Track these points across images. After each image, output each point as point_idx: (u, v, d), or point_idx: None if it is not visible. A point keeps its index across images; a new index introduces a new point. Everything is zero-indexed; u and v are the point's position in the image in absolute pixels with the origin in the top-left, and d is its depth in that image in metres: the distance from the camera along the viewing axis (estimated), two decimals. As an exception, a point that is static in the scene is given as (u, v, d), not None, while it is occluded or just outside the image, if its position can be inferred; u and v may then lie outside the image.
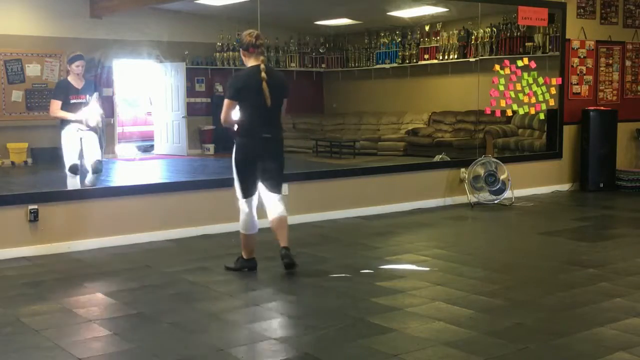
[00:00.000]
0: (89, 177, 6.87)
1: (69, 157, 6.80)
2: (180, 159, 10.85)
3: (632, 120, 10.20)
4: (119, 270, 5.65)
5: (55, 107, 6.77)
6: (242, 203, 5.41)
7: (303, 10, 11.20)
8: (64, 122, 6.78)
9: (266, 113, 5.28)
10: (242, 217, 5.43)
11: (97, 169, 6.86)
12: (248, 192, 5.39)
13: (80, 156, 6.84)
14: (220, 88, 11.00)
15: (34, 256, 6.06)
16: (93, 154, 6.86)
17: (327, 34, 12.16)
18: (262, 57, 5.30)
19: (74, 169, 6.78)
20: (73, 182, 6.78)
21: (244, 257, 5.55)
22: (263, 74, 5.21)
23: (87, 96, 6.78)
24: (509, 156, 9.60)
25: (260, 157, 5.33)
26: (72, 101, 6.72)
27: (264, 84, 5.19)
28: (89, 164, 6.85)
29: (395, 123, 12.07)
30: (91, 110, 6.74)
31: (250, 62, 5.32)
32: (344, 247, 6.43)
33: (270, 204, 5.45)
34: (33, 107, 8.84)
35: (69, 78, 6.80)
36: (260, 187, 5.43)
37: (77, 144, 6.80)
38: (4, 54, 8.67)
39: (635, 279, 5.24)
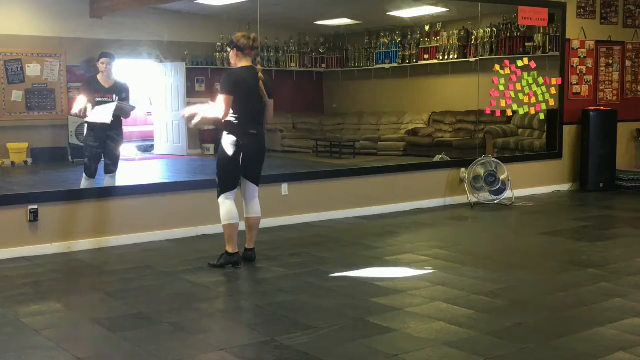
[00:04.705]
0: (106, 179, 6.86)
1: (90, 160, 6.78)
2: (180, 159, 10.85)
3: (632, 120, 10.21)
4: (119, 270, 5.65)
5: (77, 103, 6.72)
6: (223, 196, 5.59)
7: (303, 10, 11.19)
8: (90, 122, 6.75)
9: (255, 111, 5.56)
10: (223, 209, 5.59)
11: (111, 171, 6.87)
12: (232, 186, 5.60)
13: (100, 159, 6.82)
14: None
15: (34, 256, 6.06)
16: (112, 158, 6.84)
17: (327, 34, 12.16)
18: (258, 59, 5.57)
19: (92, 173, 6.77)
20: (86, 184, 6.76)
21: (229, 251, 5.63)
22: (260, 74, 5.49)
23: (115, 96, 6.73)
24: (509, 156, 9.59)
25: (248, 152, 5.56)
26: (98, 99, 6.67)
27: (261, 83, 5.47)
28: (107, 167, 6.84)
29: (395, 123, 12.07)
30: (104, 111, 6.68)
31: (242, 63, 5.55)
32: (344, 247, 6.43)
33: (248, 199, 5.71)
34: (33, 107, 8.84)
35: (98, 76, 6.76)
36: (242, 179, 5.68)
37: (100, 146, 6.78)
38: (4, 54, 8.66)
39: (635, 279, 5.24)
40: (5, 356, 3.82)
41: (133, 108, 6.90)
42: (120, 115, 6.77)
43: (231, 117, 5.49)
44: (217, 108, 5.49)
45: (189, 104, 11.02)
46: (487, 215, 8.07)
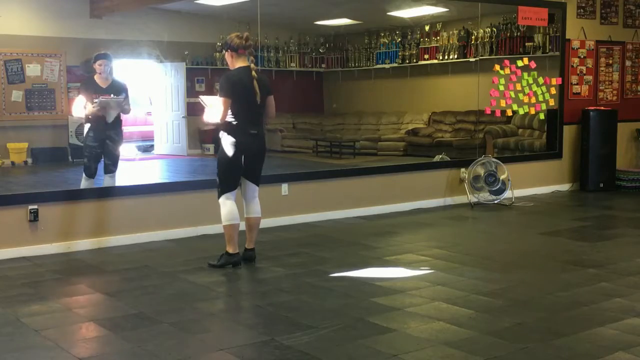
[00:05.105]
0: (106, 179, 6.86)
1: (89, 160, 6.79)
2: (180, 159, 10.85)
3: (632, 120, 10.21)
4: (119, 270, 5.65)
5: (75, 104, 6.73)
6: (224, 197, 5.59)
7: (303, 10, 11.19)
8: (88, 122, 6.75)
9: (254, 111, 5.56)
10: (224, 209, 5.59)
11: (111, 171, 6.87)
12: (233, 186, 5.61)
13: (100, 159, 6.82)
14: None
15: (34, 256, 6.06)
16: (111, 158, 6.85)
17: (327, 34, 12.15)
18: (251, 57, 5.58)
19: (91, 173, 6.78)
20: (86, 184, 6.76)
21: (229, 251, 5.63)
22: (254, 73, 5.50)
23: (113, 96, 6.74)
24: (509, 156, 9.59)
25: (248, 152, 5.57)
26: (96, 100, 6.68)
27: (255, 82, 5.47)
28: (106, 167, 6.84)
29: (395, 123, 12.06)
30: (108, 106, 6.67)
31: (238, 64, 5.56)
32: (344, 247, 6.43)
33: (249, 199, 5.72)
34: (33, 107, 8.83)
35: (95, 77, 6.77)
36: (242, 179, 5.69)
37: (99, 146, 6.77)
38: (4, 54, 8.66)
39: (635, 279, 5.24)
40: (5, 356, 3.82)
41: (119, 100, 6.79)
42: (121, 111, 6.78)
43: (231, 118, 5.50)
44: (216, 110, 5.50)
45: (188, 103, 11.05)
46: (487, 215, 8.07)
